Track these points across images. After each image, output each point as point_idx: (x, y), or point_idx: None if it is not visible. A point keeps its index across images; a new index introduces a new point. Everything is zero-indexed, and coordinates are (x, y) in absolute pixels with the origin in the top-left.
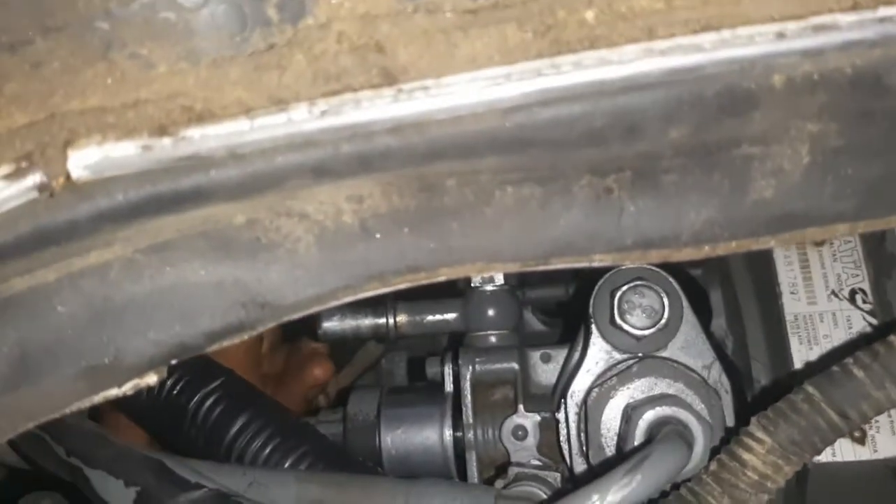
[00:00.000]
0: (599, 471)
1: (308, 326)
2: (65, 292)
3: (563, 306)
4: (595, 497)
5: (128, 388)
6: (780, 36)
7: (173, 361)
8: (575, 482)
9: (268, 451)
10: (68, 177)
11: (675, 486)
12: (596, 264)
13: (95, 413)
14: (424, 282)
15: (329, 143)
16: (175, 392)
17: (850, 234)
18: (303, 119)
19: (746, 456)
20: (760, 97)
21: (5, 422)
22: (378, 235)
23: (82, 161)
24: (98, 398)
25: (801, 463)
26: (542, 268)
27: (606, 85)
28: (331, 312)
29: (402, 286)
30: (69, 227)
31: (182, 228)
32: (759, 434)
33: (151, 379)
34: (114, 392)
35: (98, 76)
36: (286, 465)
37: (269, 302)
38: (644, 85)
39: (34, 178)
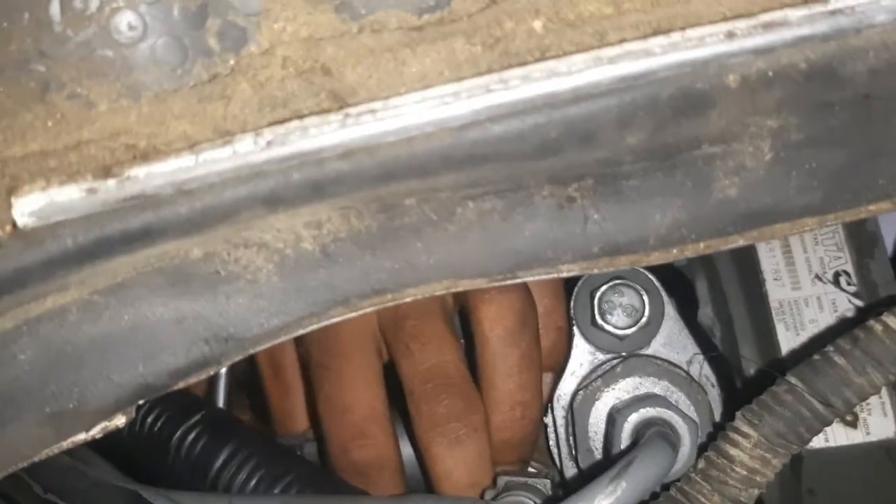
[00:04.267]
0: (588, 475)
1: None
2: (23, 339)
3: None
4: None
5: (95, 431)
6: (731, 35)
7: (140, 402)
8: (565, 488)
9: (254, 481)
10: (14, 225)
11: (665, 487)
12: (564, 274)
13: None
14: (391, 304)
15: (278, 173)
16: (156, 429)
17: (819, 226)
18: (248, 151)
19: (733, 451)
20: (716, 97)
21: None
22: (340, 260)
23: (27, 208)
24: (66, 444)
25: (788, 455)
26: (510, 282)
27: (557, 96)
28: None
29: (369, 310)
30: (21, 275)
31: (138, 267)
32: (745, 428)
33: (120, 421)
34: (81, 436)
35: (37, 119)
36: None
37: (232, 335)
38: (595, 94)
39: None
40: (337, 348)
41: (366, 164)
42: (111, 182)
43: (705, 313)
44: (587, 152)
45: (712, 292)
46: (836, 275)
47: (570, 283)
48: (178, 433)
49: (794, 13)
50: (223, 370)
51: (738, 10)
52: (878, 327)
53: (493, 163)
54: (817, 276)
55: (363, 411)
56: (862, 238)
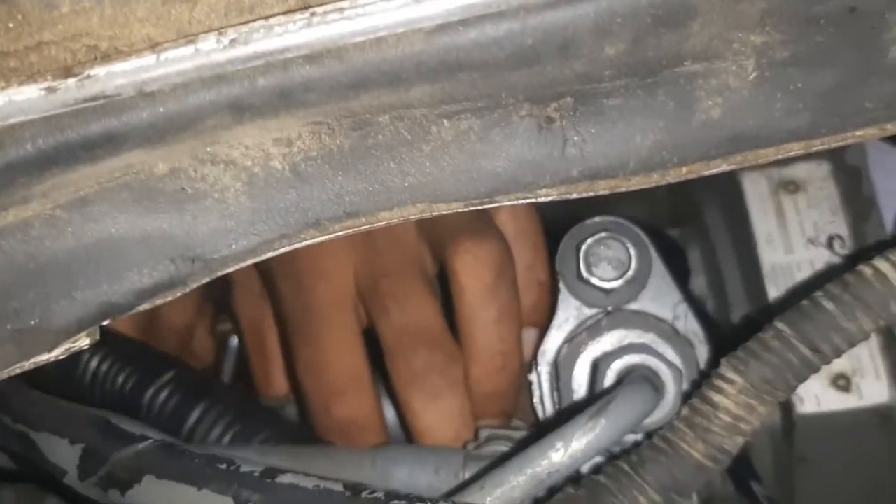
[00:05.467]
0: (568, 418)
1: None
2: None
3: None
4: (559, 444)
5: (59, 352)
6: None
7: (105, 322)
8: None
9: (228, 438)
10: None
11: (648, 436)
12: (542, 199)
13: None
14: (364, 228)
15: (243, 77)
16: (128, 388)
17: (805, 151)
18: (211, 49)
19: (718, 398)
20: (697, 6)
21: None
22: (311, 180)
23: None
24: (28, 364)
25: (775, 402)
26: (487, 206)
27: None
28: None
29: (342, 233)
30: None
31: (102, 181)
32: (730, 375)
33: (83, 342)
34: (44, 357)
35: None
36: None
37: (199, 256)
38: None
39: None
40: (315, 310)
41: (335, 69)
42: (71, 81)
43: (698, 283)
44: (565, 64)
45: (706, 261)
46: (830, 238)
47: (554, 239)
48: (150, 391)
49: None
50: (232, 347)
51: None
52: (868, 272)
53: (468, 72)
54: (810, 240)
55: (342, 369)
56: (857, 201)
